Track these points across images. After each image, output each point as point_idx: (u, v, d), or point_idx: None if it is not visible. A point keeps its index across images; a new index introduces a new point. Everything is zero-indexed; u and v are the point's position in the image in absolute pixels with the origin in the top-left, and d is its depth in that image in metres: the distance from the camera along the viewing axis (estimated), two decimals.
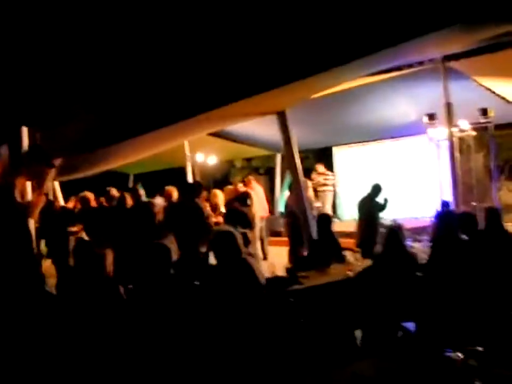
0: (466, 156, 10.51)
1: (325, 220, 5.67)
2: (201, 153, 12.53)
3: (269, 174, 16.69)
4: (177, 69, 4.71)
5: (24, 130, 4.58)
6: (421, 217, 11.41)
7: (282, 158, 14.87)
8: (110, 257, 3.86)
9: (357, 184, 13.62)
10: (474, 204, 10.42)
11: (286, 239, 11.73)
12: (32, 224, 4.52)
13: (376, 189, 7.24)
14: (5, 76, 4.59)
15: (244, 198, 8.65)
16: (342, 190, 13.83)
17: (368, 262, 5.17)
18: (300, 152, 16.01)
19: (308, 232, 6.44)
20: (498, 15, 5.20)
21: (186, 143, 11.72)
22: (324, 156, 15.00)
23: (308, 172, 16.32)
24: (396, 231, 4.31)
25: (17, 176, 4.47)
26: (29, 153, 4.40)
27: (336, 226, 6.94)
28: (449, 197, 10.76)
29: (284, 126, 6.59)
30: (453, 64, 8.69)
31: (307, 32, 4.73)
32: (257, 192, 9.93)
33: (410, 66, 9.27)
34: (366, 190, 13.72)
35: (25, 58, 4.52)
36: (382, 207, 7.49)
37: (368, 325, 3.94)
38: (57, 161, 4.38)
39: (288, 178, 15.62)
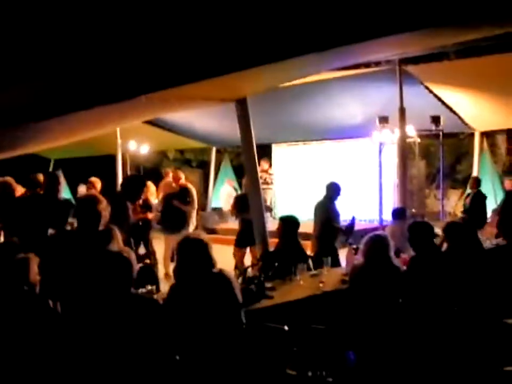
0: (409, 162, 10.40)
1: (291, 223, 5.04)
2: (133, 141, 11.54)
3: (201, 167, 15.98)
4: (127, 40, 3.89)
5: None
6: (358, 220, 11.20)
7: (217, 151, 14.26)
8: (34, 263, 3.03)
9: (295, 184, 13.27)
10: (414, 210, 10.40)
11: (221, 236, 11.17)
12: None
13: (334, 190, 6.61)
14: None
15: (184, 194, 7.90)
16: (279, 189, 13.37)
17: (337, 273, 4.66)
18: (235, 147, 15.56)
19: (262, 233, 5.81)
20: (462, 20, 4.87)
21: (117, 130, 10.71)
22: (263, 153, 14.52)
23: (241, 169, 15.81)
24: (381, 239, 3.78)
25: None
26: None
27: (271, 226, 6.36)
28: (390, 202, 10.70)
29: (244, 116, 5.89)
30: (409, 68, 8.50)
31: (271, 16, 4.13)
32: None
33: (367, 66, 8.97)
34: (303, 190, 13.67)
35: None
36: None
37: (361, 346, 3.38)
38: None
39: (223, 173, 15.09)
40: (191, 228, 7.98)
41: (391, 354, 3.44)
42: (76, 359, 2.63)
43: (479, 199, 8.83)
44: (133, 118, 7.26)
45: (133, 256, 2.77)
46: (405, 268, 3.92)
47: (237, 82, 5.48)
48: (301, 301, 3.80)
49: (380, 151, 10.47)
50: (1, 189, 6.14)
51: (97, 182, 7.69)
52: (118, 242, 3.73)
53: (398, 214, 6.42)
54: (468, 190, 9.66)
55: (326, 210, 6.47)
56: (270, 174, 12.68)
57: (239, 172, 14.30)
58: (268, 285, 4.04)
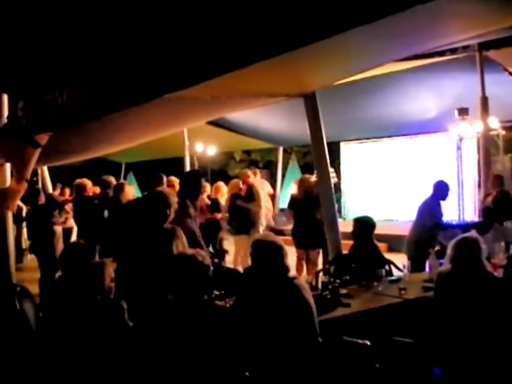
0: (492, 158, 9.66)
1: (367, 225, 4.74)
2: (200, 143, 11.57)
3: (268, 168, 15.84)
4: (183, 28, 3.72)
5: (4, 98, 3.61)
6: None
7: (284, 151, 14.04)
8: (109, 268, 2.93)
9: (365, 184, 12.82)
10: None
11: (289, 238, 10.94)
12: (9, 216, 3.57)
13: (442, 189, 5.88)
14: None
15: (248, 193, 7.75)
16: (348, 188, 12.97)
17: (419, 278, 4.32)
18: (301, 146, 15.29)
19: (335, 235, 5.54)
20: None
21: (185, 131, 10.77)
22: (329, 152, 14.18)
23: (309, 170, 15.51)
24: (472, 242, 3.40)
25: None
26: (8, 127, 3.42)
27: (340, 226, 6.00)
28: (471, 202, 10.02)
29: (313, 112, 5.63)
30: (490, 53, 7.82)
31: None
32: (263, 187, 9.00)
33: (441, 54, 8.38)
34: (374, 190, 13.19)
35: (7, 13, 3.55)
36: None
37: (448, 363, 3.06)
38: (43, 140, 3.40)
39: (290, 173, 14.87)
40: (261, 228, 7.81)
41: (483, 372, 3.08)
42: (148, 371, 2.50)
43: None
44: (199, 118, 7.17)
45: (207, 260, 2.60)
46: (497, 274, 3.53)
47: (303, 76, 5.25)
48: (380, 310, 3.50)
49: (458, 147, 9.86)
50: (79, 190, 6.30)
51: (176, 182, 7.66)
52: (182, 243, 3.63)
53: (488, 213, 5.87)
54: None
55: (431, 211, 5.75)
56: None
57: (306, 172, 14.03)
58: (343, 291, 3.77)
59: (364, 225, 4.78)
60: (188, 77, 3.38)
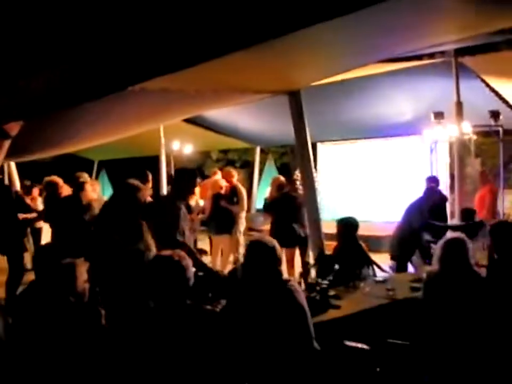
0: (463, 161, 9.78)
1: (350, 225, 4.64)
2: (177, 141, 11.33)
3: (245, 167, 15.68)
4: (160, 12, 3.53)
5: None
6: None
7: (261, 151, 13.91)
8: (81, 268, 2.74)
9: (341, 184, 12.80)
10: None
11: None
12: None
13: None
14: None
15: (232, 195, 7.60)
16: (324, 189, 12.91)
17: (405, 279, 4.22)
18: (279, 147, 15.18)
19: (318, 235, 5.42)
20: None
21: (161, 129, 10.52)
22: None
23: (285, 170, 15.44)
24: (459, 243, 3.33)
25: None
26: None
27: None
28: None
29: (297, 110, 5.50)
30: (465, 59, 7.90)
31: None
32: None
33: (419, 58, 8.42)
34: (350, 191, 13.18)
35: None
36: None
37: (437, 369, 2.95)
38: (14, 130, 3.17)
39: (267, 173, 14.74)
40: (241, 228, 7.67)
41: (473, 373, 2.99)
42: (129, 379, 2.31)
43: None
44: (181, 113, 6.95)
45: (186, 262, 2.43)
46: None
47: (289, 73, 5.13)
48: (371, 311, 3.38)
49: (431, 150, 10.00)
50: (49, 188, 6.01)
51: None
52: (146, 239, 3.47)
53: (468, 215, 5.88)
54: None
55: (420, 211, 5.71)
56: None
57: (283, 172, 13.92)
58: (331, 292, 3.64)
59: (348, 225, 4.69)
60: (163, 64, 3.19)
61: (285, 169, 14.75)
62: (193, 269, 2.46)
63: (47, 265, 3.01)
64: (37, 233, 8.84)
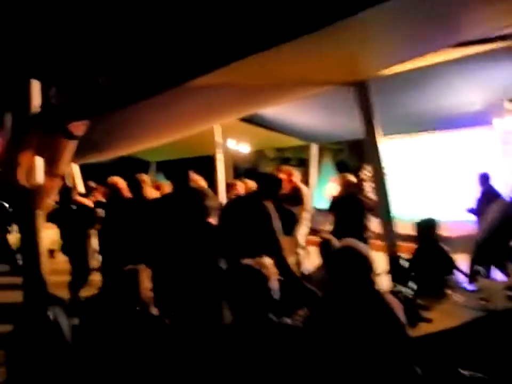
0: None
1: (430, 226, 4.27)
2: (233, 140, 11.14)
3: (301, 166, 15.34)
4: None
5: (35, 85, 3.24)
6: None
7: (319, 148, 13.52)
8: (143, 275, 2.55)
9: (402, 181, 12.26)
10: None
11: None
12: (41, 215, 3.20)
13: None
14: (9, 14, 3.28)
15: (295, 196, 7.28)
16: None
17: (497, 286, 3.80)
18: (335, 143, 14.76)
19: (391, 237, 5.03)
20: None
21: (217, 128, 10.35)
22: (363, 149, 13.64)
23: (343, 168, 15.02)
24: None
25: (21, 150, 3.13)
26: (40, 116, 3.04)
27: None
28: None
29: (365, 102, 5.14)
30: None
31: None
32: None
33: (490, 41, 7.82)
34: (415, 188, 12.63)
35: None
36: None
37: None
38: (79, 131, 3.01)
39: (324, 171, 14.38)
40: (304, 231, 7.36)
41: None
42: None
43: None
44: (241, 110, 6.68)
45: (268, 271, 2.17)
46: None
47: (355, 62, 4.79)
48: (467, 326, 3.00)
49: (505, 141, 9.34)
50: (111, 189, 5.94)
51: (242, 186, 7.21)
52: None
53: None
54: None
55: (506, 210, 5.23)
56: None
57: (340, 170, 13.54)
58: (419, 302, 3.29)
59: (428, 226, 4.31)
60: (225, 55, 2.95)
61: (342, 166, 14.33)
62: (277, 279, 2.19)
63: (113, 270, 2.85)
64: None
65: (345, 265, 2.33)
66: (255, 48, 3.03)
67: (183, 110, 6.17)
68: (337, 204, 6.96)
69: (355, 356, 2.17)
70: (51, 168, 3.08)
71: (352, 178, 7.30)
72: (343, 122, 11.15)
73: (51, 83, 2.96)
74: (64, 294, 6.18)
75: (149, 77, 2.50)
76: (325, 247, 4.31)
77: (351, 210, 6.63)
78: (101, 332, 2.59)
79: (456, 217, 10.20)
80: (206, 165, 11.59)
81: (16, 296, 3.29)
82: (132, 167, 10.40)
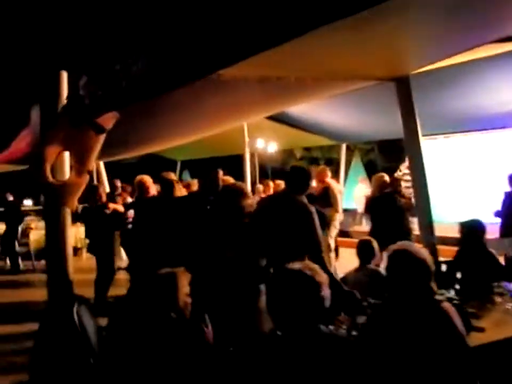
0: None
1: (476, 227, 4.02)
2: (261, 139, 10.97)
3: (329, 165, 15.10)
4: None
5: (63, 76, 3.11)
6: None
7: (347, 148, 13.26)
8: (183, 280, 2.37)
9: (435, 183, 11.88)
10: None
11: (355, 240, 10.23)
12: (68, 214, 3.07)
13: None
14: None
15: (325, 196, 7.08)
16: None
17: None
18: (364, 143, 14.47)
19: (431, 240, 4.80)
20: None
21: (245, 127, 10.20)
22: (393, 149, 13.32)
23: (372, 168, 14.73)
24: None
25: (48, 145, 2.99)
26: (68, 108, 2.90)
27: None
28: None
29: (406, 98, 4.91)
30: None
31: None
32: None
33: None
34: (451, 190, 12.22)
35: None
36: None
37: None
38: (108, 124, 2.86)
39: (353, 172, 14.11)
40: (333, 233, 7.16)
41: None
42: None
43: None
44: (279, 104, 6.47)
45: (321, 277, 1.97)
46: None
47: (397, 56, 4.55)
48: None
49: None
50: (139, 188, 5.84)
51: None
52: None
53: None
54: None
55: None
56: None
57: (370, 170, 13.24)
58: (469, 310, 3.05)
59: (473, 229, 4.06)
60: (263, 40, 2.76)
61: (371, 167, 14.04)
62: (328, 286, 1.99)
63: (144, 273, 2.70)
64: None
65: (402, 271, 2.13)
66: (291, 33, 2.83)
67: (212, 108, 6.02)
68: (373, 204, 6.73)
69: (415, 368, 1.96)
70: (79, 164, 2.93)
71: (387, 178, 7.08)
72: (373, 122, 10.87)
73: (80, 73, 2.81)
74: (89, 293, 6.11)
75: (184, 63, 2.32)
76: (364, 248, 4.09)
77: (388, 210, 6.39)
78: (130, 337, 2.44)
79: (491, 219, 9.82)
80: (233, 164, 11.44)
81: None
82: (157, 166, 10.33)
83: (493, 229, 6.43)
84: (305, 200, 3.78)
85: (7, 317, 6.41)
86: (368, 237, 4.45)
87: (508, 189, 7.52)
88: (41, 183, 2.96)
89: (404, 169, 11.35)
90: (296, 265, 1.98)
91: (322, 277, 1.95)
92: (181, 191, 5.49)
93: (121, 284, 6.71)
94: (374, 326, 2.16)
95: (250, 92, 4.68)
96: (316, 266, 1.98)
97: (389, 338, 2.04)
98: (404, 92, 4.90)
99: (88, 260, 8.61)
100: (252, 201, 3.19)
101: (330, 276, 3.24)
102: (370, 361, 1.91)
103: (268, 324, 2.94)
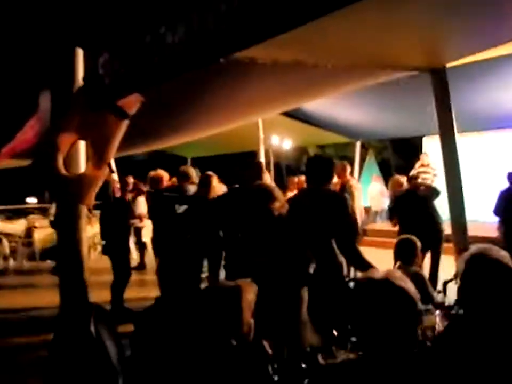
0: None
1: None
2: (276, 136, 10.58)
3: None
4: None
5: (79, 54, 2.72)
6: None
7: (362, 146, 12.85)
8: (249, 295, 1.94)
9: (469, 183, 11.45)
10: None
11: (370, 238, 9.89)
12: (84, 212, 2.69)
13: None
14: None
15: (343, 192, 6.75)
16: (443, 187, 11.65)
17: None
18: (379, 141, 14.08)
19: (464, 239, 4.42)
20: None
21: (260, 122, 9.82)
22: (407, 148, 12.93)
23: (386, 167, 14.34)
24: None
25: (61, 132, 2.61)
26: (85, 90, 2.51)
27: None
28: None
29: (442, 91, 4.49)
30: None
31: None
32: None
33: None
34: (472, 189, 11.76)
35: None
36: None
37: None
38: (131, 108, 2.47)
39: (367, 170, 13.70)
40: None
41: None
42: None
43: None
44: (315, 93, 6.06)
45: (414, 290, 1.57)
46: None
47: (435, 44, 4.18)
48: None
49: None
50: (155, 183, 5.56)
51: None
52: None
53: None
54: None
55: None
56: (426, 172, 10.96)
57: (383, 169, 12.84)
58: None
59: None
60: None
61: (385, 165, 13.64)
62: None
63: (184, 280, 2.30)
64: (138, 231, 8.52)
65: (478, 278, 1.76)
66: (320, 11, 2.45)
67: (226, 102, 5.67)
68: (397, 204, 6.47)
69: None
70: (97, 155, 2.54)
71: (404, 179, 7.13)
72: (389, 119, 10.50)
73: (100, 49, 2.42)
74: (102, 296, 5.76)
75: (235, 28, 1.92)
76: (405, 247, 3.73)
77: (412, 205, 6.29)
78: (167, 365, 2.01)
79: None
80: (246, 161, 11.05)
81: None
82: (166, 163, 9.99)
83: None
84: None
85: (18, 324, 6.07)
86: (408, 235, 4.09)
87: None
88: (51, 177, 2.58)
89: (418, 168, 11.03)
90: (380, 274, 1.58)
91: (414, 291, 1.55)
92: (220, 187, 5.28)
93: (132, 284, 6.42)
94: (452, 339, 1.78)
95: (283, 80, 4.31)
96: (403, 275, 1.59)
97: (469, 353, 1.67)
98: (440, 83, 4.50)
99: (99, 260, 8.28)
100: (281, 203, 2.81)
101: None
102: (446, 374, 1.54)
103: (312, 338, 2.55)
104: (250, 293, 1.92)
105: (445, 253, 6.58)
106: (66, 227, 2.59)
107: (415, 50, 4.19)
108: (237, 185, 4.68)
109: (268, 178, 4.90)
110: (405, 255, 3.74)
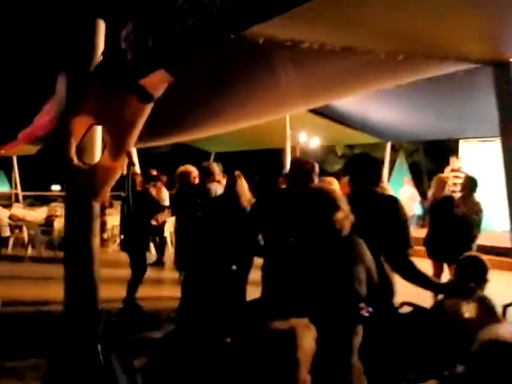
0: None
1: None
2: (304, 133, 10.21)
3: None
4: None
5: (100, 26, 2.38)
6: None
7: (391, 147, 12.37)
8: (306, 342, 1.49)
9: (488, 190, 10.94)
10: None
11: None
12: (96, 209, 2.36)
13: None
14: None
15: None
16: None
17: None
18: (409, 143, 13.56)
19: None
20: None
21: (287, 118, 9.48)
22: (439, 151, 12.43)
23: (416, 170, 13.79)
24: None
25: (75, 116, 2.24)
26: (104, 67, 2.16)
27: None
28: None
29: (506, 86, 4.08)
30: None
31: None
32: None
33: None
34: (498, 198, 11.24)
35: None
36: None
37: None
38: (158, 90, 2.09)
39: (397, 172, 13.21)
40: None
41: None
42: None
43: None
44: (368, 84, 5.70)
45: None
46: None
47: (500, 36, 3.76)
48: None
49: None
50: (183, 179, 5.30)
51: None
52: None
53: None
54: None
55: None
56: (457, 176, 10.50)
57: (414, 172, 12.36)
58: None
59: None
60: None
61: (415, 169, 13.15)
62: None
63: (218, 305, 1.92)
64: (159, 227, 8.29)
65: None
66: None
67: (254, 96, 5.43)
68: (434, 208, 6.23)
69: None
70: (115, 142, 2.17)
71: (447, 179, 7.09)
72: (424, 120, 10.04)
73: (124, 20, 2.05)
74: (114, 292, 5.51)
75: None
76: (472, 267, 3.36)
77: (444, 213, 6.14)
78: None
79: None
80: (272, 158, 10.72)
81: None
82: (190, 157, 9.70)
83: None
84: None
85: (24, 319, 5.86)
86: (477, 253, 3.67)
87: None
88: (61, 166, 2.22)
89: (449, 172, 10.61)
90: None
91: None
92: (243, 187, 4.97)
93: (148, 282, 6.20)
94: None
95: (333, 67, 3.97)
96: None
97: None
98: (503, 78, 4.08)
99: (114, 253, 8.03)
100: (344, 214, 2.36)
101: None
102: None
103: None
104: (308, 339, 1.46)
105: (500, 268, 6.27)
106: (75, 227, 2.26)
107: (479, 41, 3.79)
108: (284, 187, 4.34)
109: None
110: (470, 277, 3.21)
